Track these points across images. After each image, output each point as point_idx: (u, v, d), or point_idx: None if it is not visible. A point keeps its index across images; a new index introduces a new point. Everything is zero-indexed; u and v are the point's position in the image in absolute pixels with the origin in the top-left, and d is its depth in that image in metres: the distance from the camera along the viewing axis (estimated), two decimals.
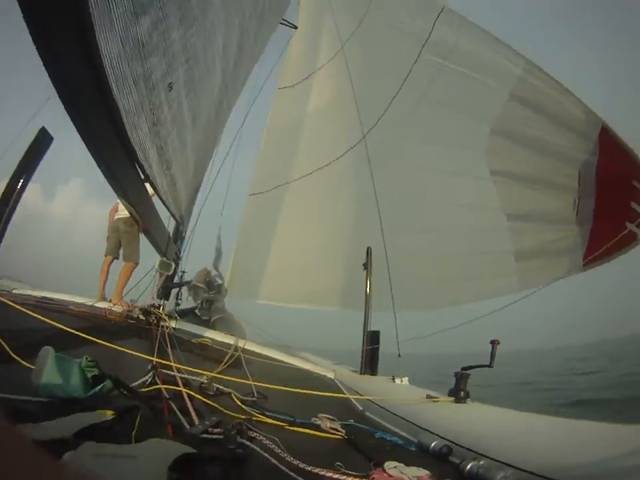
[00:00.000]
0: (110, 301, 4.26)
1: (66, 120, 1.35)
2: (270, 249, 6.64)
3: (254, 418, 1.56)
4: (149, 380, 1.64)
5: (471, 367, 2.55)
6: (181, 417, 1.29)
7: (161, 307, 3.60)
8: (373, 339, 3.69)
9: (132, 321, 3.32)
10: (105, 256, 4.69)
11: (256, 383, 2.06)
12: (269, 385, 2.06)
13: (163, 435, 1.10)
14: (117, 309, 3.75)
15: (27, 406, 1.13)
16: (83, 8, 1.04)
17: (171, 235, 3.71)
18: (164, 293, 4.00)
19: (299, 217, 6.48)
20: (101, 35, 1.18)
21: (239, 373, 2.38)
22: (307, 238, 6.17)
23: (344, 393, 2.71)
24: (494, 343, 2.55)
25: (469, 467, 1.25)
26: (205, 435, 1.18)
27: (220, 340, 3.47)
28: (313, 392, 2.17)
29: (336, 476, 1.08)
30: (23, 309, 2.05)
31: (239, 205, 7.62)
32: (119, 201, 4.73)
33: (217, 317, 5.09)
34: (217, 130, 3.64)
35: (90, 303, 3.70)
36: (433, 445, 1.55)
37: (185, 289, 5.09)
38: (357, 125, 5.51)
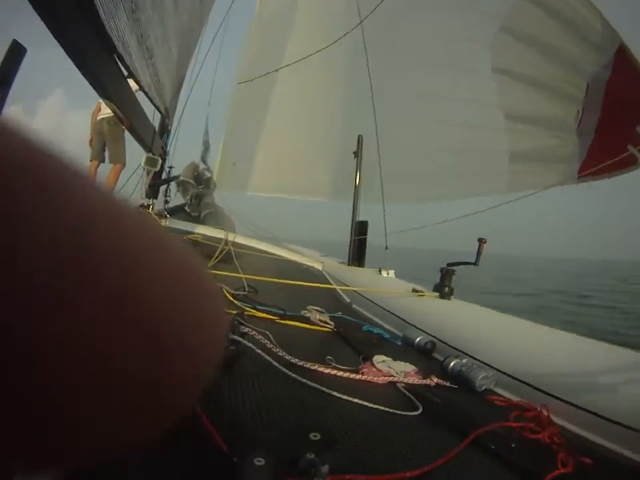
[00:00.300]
0: None
1: (39, 27, 1.17)
2: (259, 140, 6.39)
3: (245, 312, 1.58)
4: None
5: (456, 264, 2.59)
6: None
7: (150, 207, 3.53)
8: (360, 229, 3.72)
9: None
10: (90, 161, 4.49)
11: (246, 276, 2.09)
12: (258, 277, 2.09)
13: None
14: None
15: None
16: None
17: (156, 129, 3.50)
18: (152, 192, 3.89)
19: (290, 106, 6.15)
20: None
21: (230, 267, 2.40)
22: (297, 128, 5.94)
23: (330, 284, 2.80)
24: (481, 241, 2.58)
25: (452, 364, 1.32)
26: None
27: (210, 235, 3.48)
28: (301, 283, 2.24)
29: (327, 371, 1.13)
30: None
31: (227, 95, 7.15)
32: (101, 100, 4.42)
33: (206, 211, 5.03)
34: (202, 14, 3.26)
35: None
36: (417, 340, 1.62)
37: (173, 186, 4.98)
38: (354, 8, 4.97)
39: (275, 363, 1.05)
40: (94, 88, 1.73)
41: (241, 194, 6.55)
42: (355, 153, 3.84)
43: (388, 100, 4.38)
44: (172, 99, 3.16)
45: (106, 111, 4.25)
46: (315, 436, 0.72)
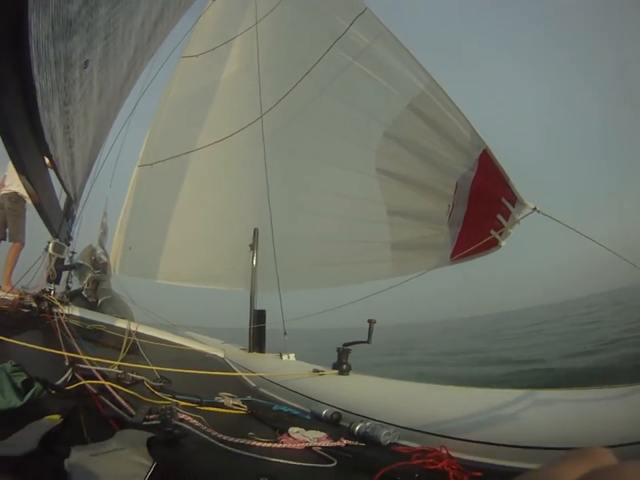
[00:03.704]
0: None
1: None
2: (158, 225, 6.32)
3: (178, 403, 1.65)
4: (69, 377, 1.64)
5: (351, 343, 2.85)
6: (117, 409, 1.36)
7: (52, 292, 3.35)
8: (259, 317, 3.87)
9: (25, 310, 3.11)
10: None
11: (157, 368, 2.14)
12: (168, 369, 2.14)
13: (109, 430, 1.17)
14: (9, 297, 3.42)
15: None
16: None
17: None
18: (56, 277, 3.68)
19: (190, 194, 6.24)
20: (32, 16, 1.16)
21: (138, 359, 2.43)
22: (197, 215, 6.00)
23: (236, 372, 2.87)
24: (371, 322, 2.89)
25: (358, 427, 1.52)
26: (145, 422, 1.28)
27: (113, 324, 3.41)
28: (209, 372, 2.33)
29: (253, 443, 1.27)
30: None
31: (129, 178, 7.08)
32: (5, 174, 4.23)
33: (104, 298, 4.83)
34: (119, 103, 3.46)
35: None
36: (324, 412, 1.80)
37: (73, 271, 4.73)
38: (257, 104, 5.43)
39: (213, 441, 1.21)
40: (15, 164, 1.77)
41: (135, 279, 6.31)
42: (250, 245, 4.08)
43: (283, 193, 4.73)
44: (81, 184, 3.17)
45: (8, 188, 4.05)
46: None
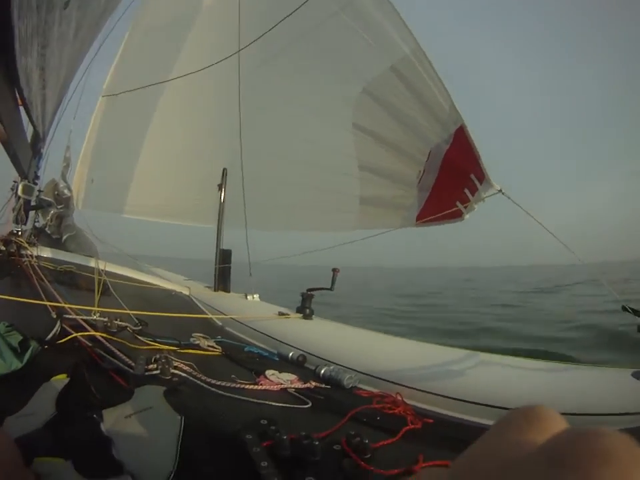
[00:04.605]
0: None
1: None
2: (123, 157, 6.11)
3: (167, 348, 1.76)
4: (59, 330, 1.63)
5: (314, 289, 3.08)
6: (116, 361, 1.38)
7: (22, 234, 3.28)
8: (225, 257, 3.99)
9: None
10: None
11: (134, 312, 2.22)
12: (143, 312, 2.24)
13: (115, 385, 1.23)
14: None
15: None
16: None
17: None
18: (21, 217, 3.55)
19: (159, 126, 6.01)
20: None
21: (111, 301, 2.47)
22: (165, 149, 5.82)
23: (204, 312, 3.02)
24: (335, 270, 3.13)
25: (322, 371, 1.72)
26: (146, 373, 1.34)
27: (82, 264, 3.42)
28: (183, 315, 2.48)
29: (237, 386, 1.42)
30: None
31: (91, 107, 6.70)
32: None
33: (67, 234, 4.76)
34: (94, 37, 3.24)
35: None
36: (290, 354, 2.00)
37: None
38: (234, 39, 5.16)
39: (205, 385, 1.36)
40: None
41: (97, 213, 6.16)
42: (219, 185, 4.12)
43: (256, 134, 4.69)
44: (49, 122, 3.02)
45: None
46: (264, 421, 1.09)
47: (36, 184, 3.62)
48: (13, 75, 1.58)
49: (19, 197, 3.18)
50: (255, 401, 1.32)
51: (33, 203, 4.00)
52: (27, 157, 2.34)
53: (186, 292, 3.67)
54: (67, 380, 1.15)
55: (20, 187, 2.99)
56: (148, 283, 3.58)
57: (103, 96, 6.49)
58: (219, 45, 5.49)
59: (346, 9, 4.07)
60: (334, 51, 4.17)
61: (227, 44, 5.28)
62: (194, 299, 3.47)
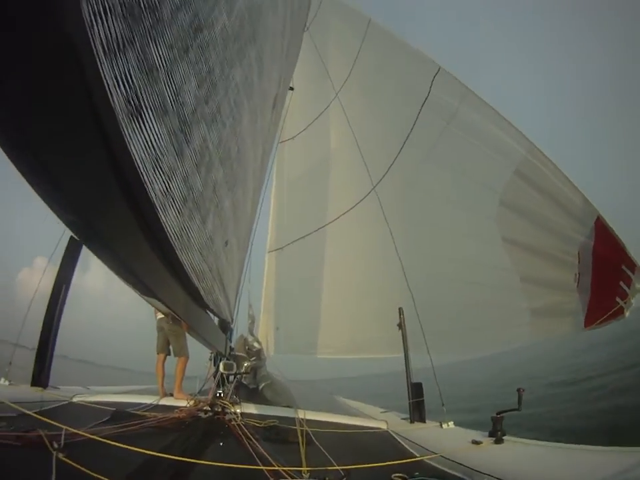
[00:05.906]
0: (171, 394, 4.36)
1: None
2: (301, 303, 6.82)
3: None
4: None
5: (504, 411, 2.95)
6: None
7: (226, 396, 3.74)
8: (416, 390, 3.94)
9: (202, 415, 3.42)
10: (157, 354, 4.81)
11: (344, 467, 2.21)
12: (353, 466, 2.23)
13: None
14: (182, 403, 3.82)
15: None
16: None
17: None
18: (225, 383, 3.98)
19: (324, 268, 6.61)
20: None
21: (314, 452, 2.53)
22: (335, 290, 6.27)
23: (417, 456, 2.96)
24: (520, 390, 2.92)
25: None
26: None
27: (283, 416, 3.63)
28: (387, 464, 2.46)
29: None
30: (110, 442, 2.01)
31: (260, 264, 7.73)
32: None
33: (263, 384, 5.24)
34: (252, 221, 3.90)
35: (154, 402, 3.82)
36: None
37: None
38: (365, 176, 5.68)
39: None
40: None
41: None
42: (398, 325, 4.17)
43: (415, 262, 4.78)
44: (234, 302, 3.57)
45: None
46: None
47: (232, 357, 4.15)
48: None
49: (217, 368, 3.73)
50: None
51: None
52: (214, 334, 2.75)
53: (383, 426, 3.73)
54: None
55: (221, 366, 3.54)
56: (347, 426, 3.68)
57: (269, 252, 7.58)
58: (355, 181, 6.07)
59: (452, 122, 4.28)
60: (459, 167, 4.28)
61: (359, 182, 5.85)
62: (393, 434, 3.50)
